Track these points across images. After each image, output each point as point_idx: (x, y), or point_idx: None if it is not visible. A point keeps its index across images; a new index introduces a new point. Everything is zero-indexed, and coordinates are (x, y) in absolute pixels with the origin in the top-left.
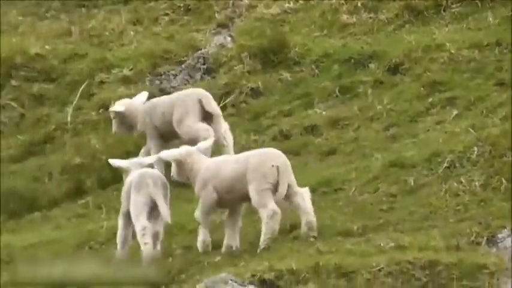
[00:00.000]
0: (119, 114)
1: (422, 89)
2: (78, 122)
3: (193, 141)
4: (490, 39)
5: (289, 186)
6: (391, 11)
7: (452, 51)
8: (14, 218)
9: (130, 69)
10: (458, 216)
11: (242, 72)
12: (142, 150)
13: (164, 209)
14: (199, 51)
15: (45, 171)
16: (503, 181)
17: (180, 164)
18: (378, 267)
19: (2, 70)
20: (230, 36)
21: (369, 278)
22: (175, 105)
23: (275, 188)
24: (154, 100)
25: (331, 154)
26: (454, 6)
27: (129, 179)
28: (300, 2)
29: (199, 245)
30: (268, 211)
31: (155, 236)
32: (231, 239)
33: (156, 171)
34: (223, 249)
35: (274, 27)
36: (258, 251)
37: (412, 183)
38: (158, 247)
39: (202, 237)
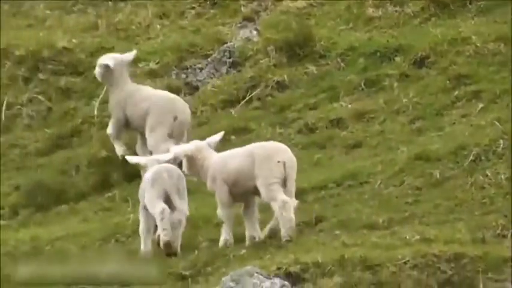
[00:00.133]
0: (105, 68)
1: (448, 82)
2: (104, 115)
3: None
4: None
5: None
6: (417, 4)
7: (478, 45)
8: (41, 211)
9: (157, 63)
10: (484, 209)
11: (268, 66)
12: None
13: (179, 202)
14: (225, 45)
15: (72, 164)
16: None
17: (191, 159)
18: (404, 260)
19: (30, 64)
20: (256, 29)
21: (394, 271)
22: (152, 110)
23: (283, 183)
24: (140, 88)
25: (357, 147)
26: None
27: (146, 175)
28: None
29: (220, 244)
30: (279, 203)
31: (175, 225)
32: (252, 230)
33: (172, 166)
34: (247, 242)
35: (300, 20)
36: (281, 242)
37: (438, 176)
38: (179, 239)
39: (224, 236)
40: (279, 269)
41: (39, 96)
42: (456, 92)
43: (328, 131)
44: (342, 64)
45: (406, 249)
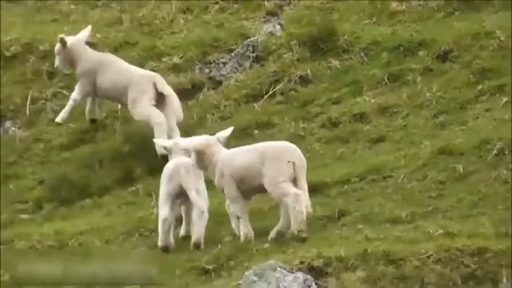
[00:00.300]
0: (63, 50)
1: (471, 76)
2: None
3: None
4: None
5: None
6: None
7: (502, 39)
8: (65, 205)
9: (180, 58)
10: (507, 203)
11: (291, 60)
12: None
13: (196, 199)
14: (249, 39)
15: (96, 158)
16: None
17: (200, 154)
18: (427, 254)
19: (54, 58)
20: (279, 24)
21: (417, 265)
22: (131, 84)
23: (292, 182)
24: (109, 57)
25: (380, 141)
26: None
27: (166, 167)
28: None
29: (242, 239)
30: (292, 196)
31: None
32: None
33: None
34: (270, 235)
35: (323, 15)
36: (289, 234)
37: (461, 171)
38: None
39: (243, 230)
40: (302, 263)
41: (64, 91)
42: (480, 86)
43: (352, 126)
44: (366, 58)
45: (430, 243)
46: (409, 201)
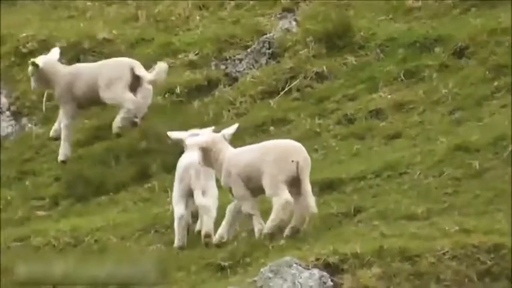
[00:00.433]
0: (37, 71)
1: (487, 72)
2: None
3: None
4: None
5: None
6: None
7: None
8: (81, 202)
9: (196, 54)
10: None
11: (307, 57)
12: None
13: (200, 200)
14: (265, 36)
15: (112, 155)
16: None
17: (206, 151)
18: (443, 251)
19: (71, 55)
20: (295, 20)
21: (433, 262)
22: (104, 70)
23: (290, 183)
24: (79, 65)
25: (396, 138)
26: None
27: (178, 165)
28: None
29: (256, 235)
30: (282, 201)
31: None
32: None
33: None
34: (285, 232)
35: (339, 11)
36: (262, 236)
37: (477, 167)
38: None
39: (257, 226)
40: (317, 259)
41: None
42: (496, 83)
43: (367, 122)
44: (381, 55)
45: (445, 240)
46: (424, 198)
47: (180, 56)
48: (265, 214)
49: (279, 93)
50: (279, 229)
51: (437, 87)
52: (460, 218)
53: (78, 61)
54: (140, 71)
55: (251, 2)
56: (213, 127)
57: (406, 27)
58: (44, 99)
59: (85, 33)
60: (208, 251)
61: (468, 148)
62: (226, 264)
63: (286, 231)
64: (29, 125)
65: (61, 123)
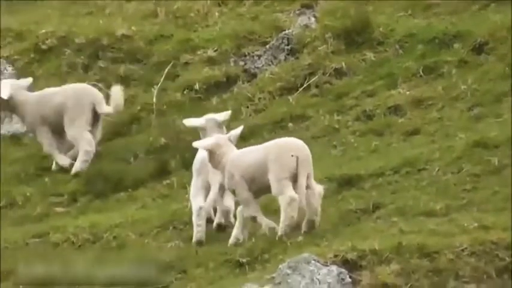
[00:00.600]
0: (5, 100)
1: (506, 68)
2: (163, 102)
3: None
4: None
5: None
6: None
7: None
8: (100, 198)
9: (215, 50)
10: None
11: (326, 53)
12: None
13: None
14: (284, 32)
15: (131, 151)
16: None
17: (211, 153)
18: (461, 248)
19: (89, 51)
20: (314, 16)
21: (452, 258)
22: (70, 102)
23: (294, 178)
24: (45, 91)
25: (415, 134)
26: None
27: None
28: None
29: (268, 233)
30: (286, 198)
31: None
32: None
33: None
34: (303, 229)
35: (358, 7)
36: (277, 238)
37: (496, 163)
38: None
39: (264, 223)
40: (336, 256)
41: (99, 84)
42: None
43: (386, 118)
44: (400, 51)
45: (464, 236)
46: (443, 194)
47: (198, 53)
48: (271, 214)
49: (297, 90)
50: (296, 225)
51: (456, 83)
52: (478, 214)
53: (97, 57)
54: (102, 108)
55: None
56: (229, 111)
57: (425, 23)
58: None
59: (104, 29)
60: (227, 247)
61: (487, 144)
62: (244, 260)
63: (303, 227)
64: None
65: (45, 150)
